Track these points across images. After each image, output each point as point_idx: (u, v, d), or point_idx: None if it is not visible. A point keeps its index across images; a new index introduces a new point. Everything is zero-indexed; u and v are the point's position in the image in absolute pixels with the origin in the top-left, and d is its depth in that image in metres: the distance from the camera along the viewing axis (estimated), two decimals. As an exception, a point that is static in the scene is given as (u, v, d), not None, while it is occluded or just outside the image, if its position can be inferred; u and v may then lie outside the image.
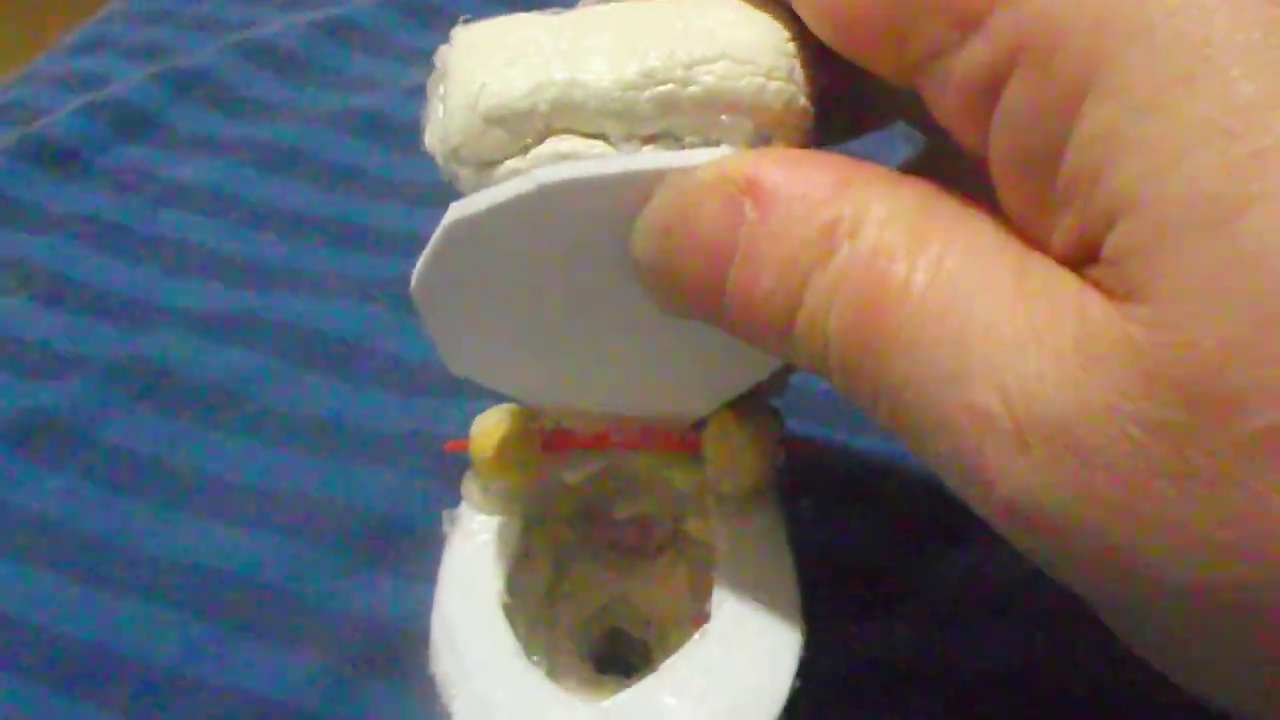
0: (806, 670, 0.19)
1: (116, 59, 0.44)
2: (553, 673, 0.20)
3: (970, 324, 0.14)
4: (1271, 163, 0.13)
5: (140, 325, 0.32)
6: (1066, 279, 0.15)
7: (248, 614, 0.25)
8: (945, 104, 0.16)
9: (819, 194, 0.16)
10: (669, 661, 0.19)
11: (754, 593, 0.20)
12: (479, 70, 0.17)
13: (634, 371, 0.20)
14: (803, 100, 0.17)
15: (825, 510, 0.26)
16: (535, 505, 0.22)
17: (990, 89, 0.15)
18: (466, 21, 0.19)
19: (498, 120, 0.17)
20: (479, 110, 0.17)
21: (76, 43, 0.46)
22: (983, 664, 0.23)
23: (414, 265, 0.18)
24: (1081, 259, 0.15)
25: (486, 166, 0.17)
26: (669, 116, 0.17)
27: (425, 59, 0.19)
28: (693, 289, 0.17)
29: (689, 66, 0.17)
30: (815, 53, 0.18)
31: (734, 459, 0.21)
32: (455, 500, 0.22)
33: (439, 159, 0.18)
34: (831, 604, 0.21)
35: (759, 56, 0.17)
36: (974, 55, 0.15)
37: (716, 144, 0.17)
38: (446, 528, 0.22)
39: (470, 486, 0.22)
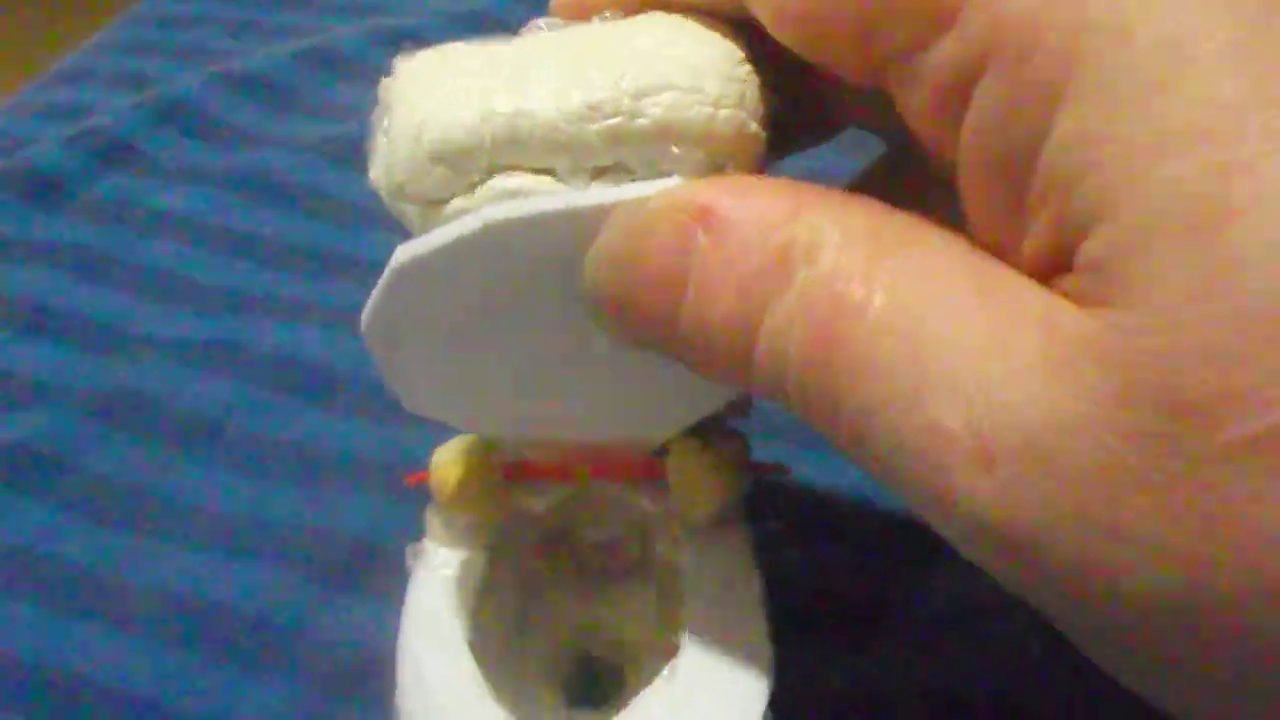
0: (778, 698, 0.19)
1: (100, 89, 0.44)
2: (523, 709, 0.20)
3: (929, 340, 0.14)
4: (1255, 166, 0.13)
5: (120, 354, 0.32)
6: (1030, 288, 0.14)
7: (224, 642, 0.25)
8: (914, 104, 0.16)
9: (773, 219, 0.15)
10: (637, 699, 0.19)
11: (722, 626, 0.20)
12: (422, 104, 0.17)
13: (594, 401, 0.20)
14: (754, 126, 0.17)
15: (794, 532, 0.26)
16: (500, 535, 0.22)
17: (961, 89, 0.15)
18: (409, 51, 0.18)
19: (442, 157, 0.17)
20: (423, 147, 0.17)
21: (61, 73, 0.46)
22: (957, 686, 0.24)
23: None
24: (1053, 266, 0.14)
25: (433, 204, 0.17)
26: (618, 148, 0.17)
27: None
28: (646, 320, 0.16)
29: (636, 97, 0.16)
30: (768, 69, 0.18)
31: (698, 487, 0.21)
32: (431, 526, 0.22)
33: (384, 196, 0.18)
34: (805, 626, 0.21)
35: (707, 83, 0.17)
36: (945, 54, 0.15)
37: (668, 175, 0.17)
38: (410, 562, 0.22)
39: (433, 520, 0.22)
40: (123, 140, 0.40)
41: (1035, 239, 0.14)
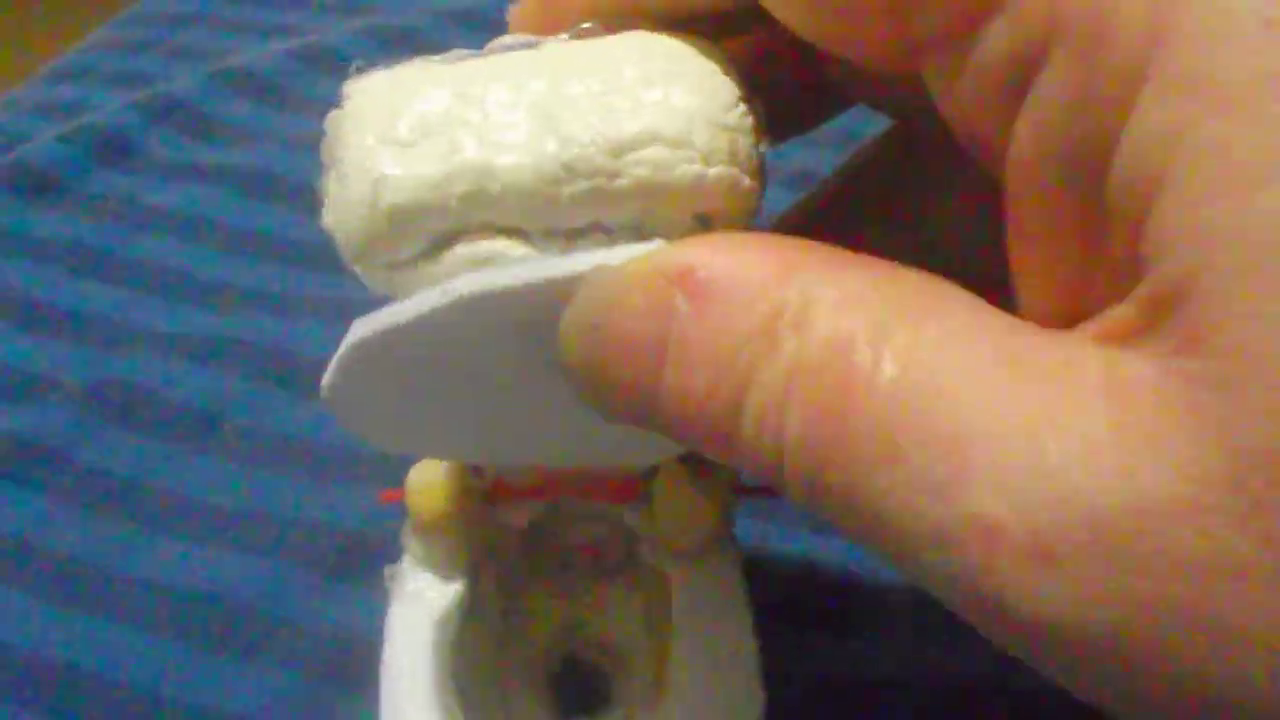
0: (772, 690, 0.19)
1: (96, 87, 0.44)
2: None
3: (960, 420, 0.12)
4: None
5: (116, 348, 0.32)
6: (1077, 349, 0.12)
7: (221, 632, 0.25)
8: (958, 96, 0.14)
9: (759, 281, 0.14)
10: None
11: (712, 661, 0.19)
12: (378, 154, 0.15)
13: (573, 437, 0.18)
14: (746, 182, 0.15)
15: (779, 521, 0.26)
16: (479, 550, 0.22)
17: (1016, 79, 0.13)
18: (359, 70, 0.17)
19: (402, 220, 0.15)
20: (381, 209, 0.15)
21: (57, 71, 0.46)
22: (947, 675, 0.24)
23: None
24: (1123, 288, 0.12)
25: (394, 267, 0.16)
26: (596, 209, 0.15)
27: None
28: (624, 392, 0.15)
29: (617, 154, 0.14)
30: (763, 75, 0.16)
31: (684, 519, 0.20)
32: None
33: (340, 253, 0.16)
34: (790, 614, 0.22)
35: (696, 135, 0.15)
36: (999, 40, 0.13)
37: (649, 237, 0.15)
38: (388, 584, 0.21)
39: (411, 542, 0.21)
40: (118, 137, 0.40)
41: (1106, 255, 0.13)
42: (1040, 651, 0.12)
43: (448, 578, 0.21)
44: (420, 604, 0.21)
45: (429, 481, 0.21)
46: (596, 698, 0.23)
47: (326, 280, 0.35)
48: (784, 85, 0.17)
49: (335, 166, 0.16)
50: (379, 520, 0.27)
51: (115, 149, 0.40)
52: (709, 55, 0.16)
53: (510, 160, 0.15)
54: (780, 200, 0.22)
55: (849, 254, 0.14)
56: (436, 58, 0.16)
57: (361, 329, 0.15)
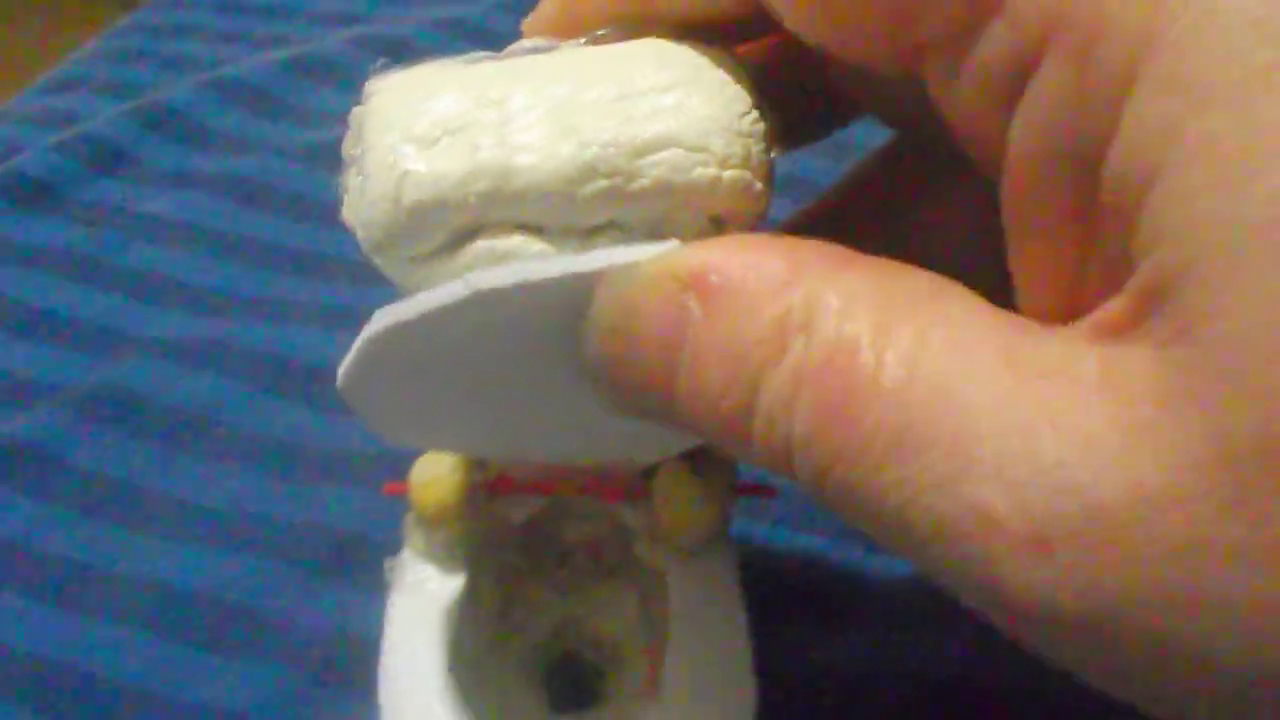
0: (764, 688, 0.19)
1: (91, 97, 0.45)
2: (505, 716, 0.20)
3: (963, 418, 0.13)
4: None
5: (110, 354, 0.33)
6: (1075, 346, 0.13)
7: (213, 632, 0.26)
8: (957, 98, 0.14)
9: (767, 285, 0.14)
10: None
11: (707, 657, 0.20)
12: (400, 151, 0.15)
13: (581, 434, 0.19)
14: (759, 186, 0.16)
15: (769, 519, 0.27)
16: (480, 544, 0.22)
17: (1015, 80, 0.13)
18: (380, 70, 0.17)
19: (423, 215, 0.15)
20: (403, 204, 0.15)
21: (52, 82, 0.47)
22: (940, 672, 0.24)
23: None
24: (1117, 282, 0.13)
25: (414, 261, 0.16)
26: (613, 208, 0.15)
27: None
28: (642, 392, 0.15)
29: (635, 156, 0.15)
30: (774, 85, 0.17)
31: (685, 513, 0.21)
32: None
33: (361, 245, 0.16)
34: (778, 609, 0.22)
35: (712, 140, 0.15)
36: (997, 42, 0.13)
37: (664, 236, 0.15)
38: (388, 577, 0.22)
39: (413, 533, 0.22)
40: (113, 146, 0.40)
41: (1100, 250, 0.13)
42: (1039, 636, 0.13)
43: (448, 570, 0.21)
44: (421, 594, 0.21)
45: (433, 474, 0.21)
46: (589, 694, 0.23)
47: (319, 287, 0.35)
48: (793, 96, 0.18)
49: (357, 162, 0.16)
50: (370, 521, 0.28)
51: (109, 157, 0.40)
52: (722, 63, 0.16)
53: (530, 160, 0.15)
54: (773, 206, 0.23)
55: (855, 254, 0.15)
56: (456, 59, 0.17)
57: (382, 320, 0.16)
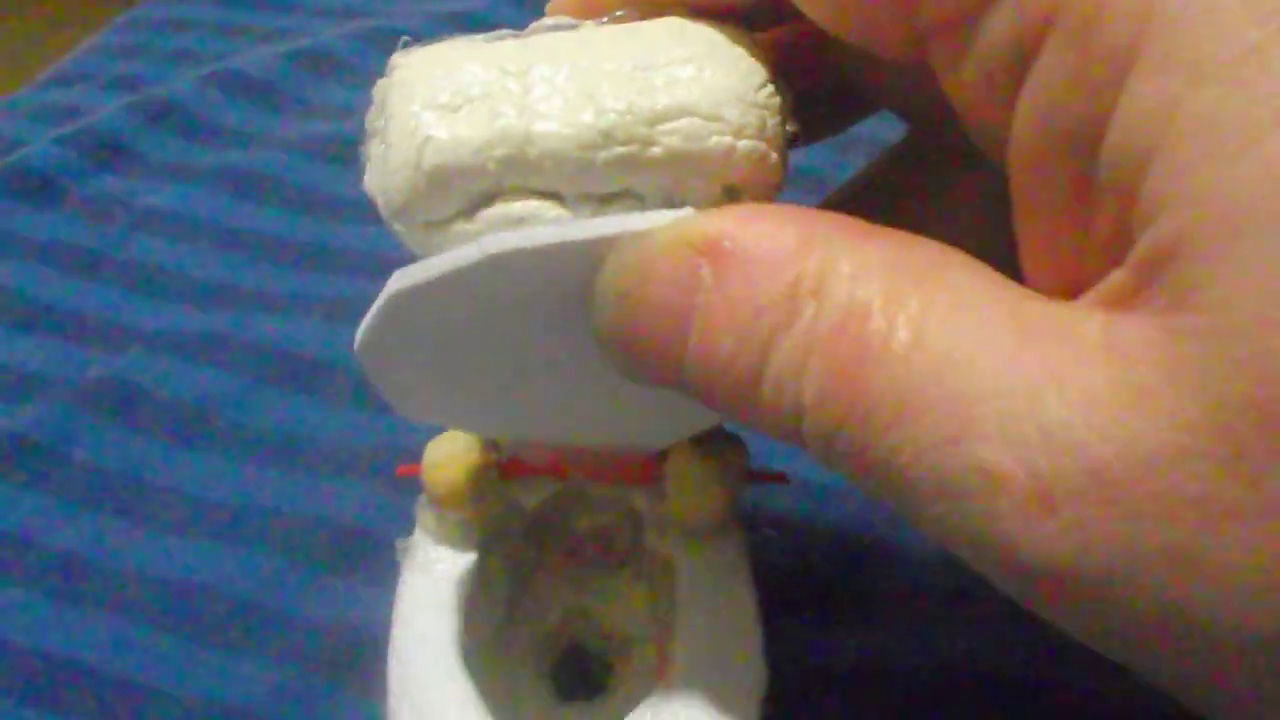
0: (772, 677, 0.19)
1: (93, 91, 0.45)
2: (512, 703, 0.20)
3: (969, 380, 0.13)
4: None
5: (112, 347, 0.33)
6: (1079, 314, 0.13)
7: (216, 626, 0.26)
8: (963, 81, 0.14)
9: (780, 253, 0.14)
10: (631, 717, 0.19)
11: (716, 637, 0.20)
12: (422, 118, 0.16)
13: (596, 411, 0.19)
14: (774, 157, 0.16)
15: (786, 534, 0.26)
16: (491, 528, 0.22)
17: (1018, 62, 0.13)
18: (406, 45, 0.17)
19: (444, 180, 0.16)
20: (423, 169, 0.16)
21: (54, 77, 0.47)
22: (941, 663, 0.24)
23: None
24: (1118, 257, 0.13)
25: (432, 226, 0.16)
26: (629, 176, 0.16)
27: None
28: (652, 357, 0.15)
29: (651, 123, 0.15)
30: (789, 69, 0.17)
31: (697, 496, 0.21)
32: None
33: (381, 212, 0.17)
34: (788, 604, 0.22)
35: (728, 110, 0.16)
36: (1000, 24, 0.14)
37: (679, 204, 0.16)
38: (399, 557, 0.22)
39: (424, 515, 0.22)
40: (115, 139, 0.40)
41: (1101, 226, 0.13)
42: (1042, 594, 0.13)
43: (460, 551, 0.21)
44: (431, 574, 0.21)
45: (447, 455, 0.21)
46: (596, 685, 0.23)
47: (321, 280, 0.35)
48: (806, 85, 0.18)
49: (380, 132, 0.17)
50: (375, 514, 0.28)
51: (111, 151, 0.40)
52: (739, 40, 0.17)
53: (548, 127, 0.15)
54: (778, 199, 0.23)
55: (867, 225, 0.15)
56: (480, 36, 0.17)
57: (398, 282, 0.16)
